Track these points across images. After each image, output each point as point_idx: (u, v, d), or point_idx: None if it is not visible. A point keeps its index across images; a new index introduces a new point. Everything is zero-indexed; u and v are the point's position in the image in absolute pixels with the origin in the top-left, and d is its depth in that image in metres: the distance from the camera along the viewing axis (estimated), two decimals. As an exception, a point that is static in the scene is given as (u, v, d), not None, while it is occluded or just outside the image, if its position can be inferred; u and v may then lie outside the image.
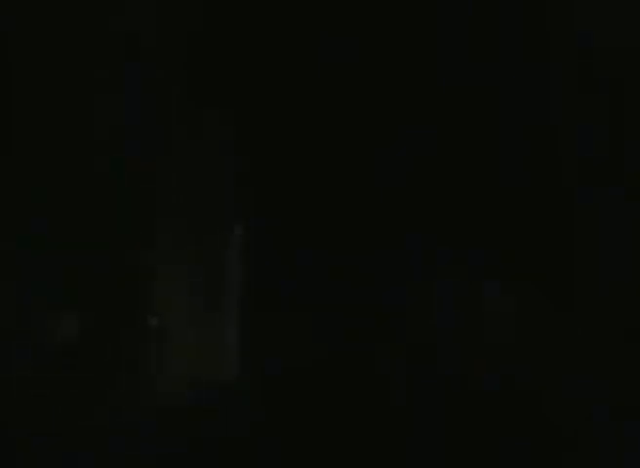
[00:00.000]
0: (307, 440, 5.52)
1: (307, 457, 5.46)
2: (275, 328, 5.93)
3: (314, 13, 5.92)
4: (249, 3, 5.95)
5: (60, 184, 5.71)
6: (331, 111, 5.97)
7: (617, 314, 5.63)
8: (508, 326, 5.83)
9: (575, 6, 5.80)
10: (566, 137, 5.81)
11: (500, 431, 5.51)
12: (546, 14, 5.85)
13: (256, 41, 5.96)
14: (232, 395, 5.82)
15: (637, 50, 5.73)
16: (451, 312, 5.88)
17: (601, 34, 5.75)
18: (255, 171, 6.04)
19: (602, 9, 5.76)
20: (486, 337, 5.83)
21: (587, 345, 5.65)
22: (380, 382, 5.78)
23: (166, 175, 5.87)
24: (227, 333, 6.01)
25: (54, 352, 5.61)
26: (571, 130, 5.80)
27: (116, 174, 5.73)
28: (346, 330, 5.89)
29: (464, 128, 5.91)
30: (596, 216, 5.71)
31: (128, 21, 5.82)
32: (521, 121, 5.87)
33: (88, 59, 5.77)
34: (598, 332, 5.64)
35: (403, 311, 5.89)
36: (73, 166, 5.73)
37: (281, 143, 6.00)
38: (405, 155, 5.93)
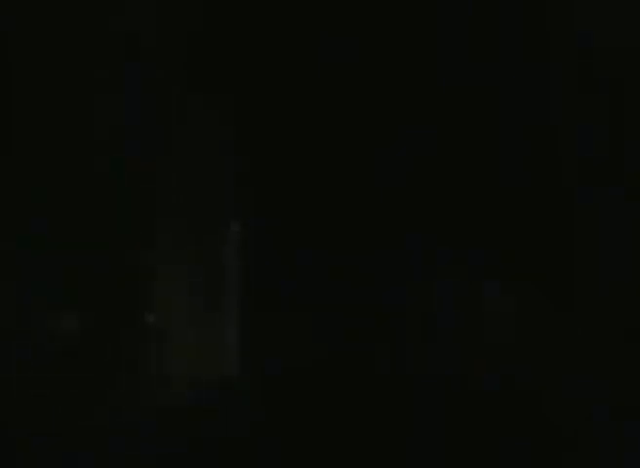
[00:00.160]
0: (307, 440, 5.52)
1: (307, 457, 5.46)
2: (275, 328, 5.93)
3: (314, 13, 5.92)
4: (249, 3, 5.96)
5: (61, 184, 5.71)
6: (331, 111, 5.97)
7: (617, 314, 5.63)
8: (508, 326, 5.83)
9: (575, 6, 5.80)
10: (566, 137, 5.81)
11: (500, 431, 5.51)
12: (546, 14, 5.85)
13: (255, 41, 5.96)
14: (232, 395, 5.82)
15: (637, 50, 5.73)
16: (451, 312, 5.88)
17: (601, 34, 5.75)
18: (254, 171, 6.04)
19: (602, 9, 5.76)
20: (486, 337, 5.84)
21: (587, 345, 5.65)
22: (379, 382, 5.77)
23: (166, 175, 5.88)
24: (227, 333, 6.02)
25: (54, 352, 5.61)
26: (571, 130, 5.80)
27: (116, 174, 5.74)
28: (346, 330, 5.89)
29: (464, 128, 5.91)
30: (596, 216, 5.71)
31: (128, 21, 5.82)
32: (521, 121, 5.87)
33: (88, 59, 5.78)
34: (598, 332, 5.64)
35: (403, 311, 5.89)
36: (73, 166, 5.73)
37: (281, 143, 6.01)
38: (405, 155, 5.93)
